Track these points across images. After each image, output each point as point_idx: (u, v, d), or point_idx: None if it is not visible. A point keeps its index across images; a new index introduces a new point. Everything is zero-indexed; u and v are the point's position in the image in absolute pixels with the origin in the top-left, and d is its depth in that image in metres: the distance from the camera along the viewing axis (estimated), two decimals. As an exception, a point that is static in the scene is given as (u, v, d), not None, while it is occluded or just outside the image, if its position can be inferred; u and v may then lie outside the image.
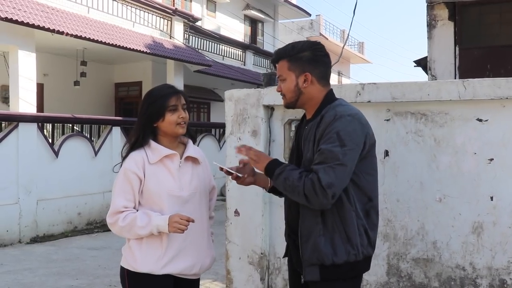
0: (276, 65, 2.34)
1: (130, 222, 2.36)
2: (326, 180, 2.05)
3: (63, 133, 9.62)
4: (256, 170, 2.44)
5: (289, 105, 2.34)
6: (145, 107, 2.48)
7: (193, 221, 2.36)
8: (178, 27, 15.20)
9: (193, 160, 2.58)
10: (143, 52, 12.95)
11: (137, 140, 2.47)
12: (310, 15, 26.16)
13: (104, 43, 11.81)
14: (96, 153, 9.64)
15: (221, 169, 2.45)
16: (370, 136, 2.21)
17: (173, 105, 2.45)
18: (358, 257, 2.15)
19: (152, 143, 2.46)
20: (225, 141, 3.77)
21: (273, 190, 2.57)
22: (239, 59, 19.29)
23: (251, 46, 20.63)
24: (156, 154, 2.44)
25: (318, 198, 2.06)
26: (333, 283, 2.18)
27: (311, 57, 2.25)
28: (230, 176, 2.46)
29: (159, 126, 2.47)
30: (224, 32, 19.12)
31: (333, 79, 29.40)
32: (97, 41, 11.58)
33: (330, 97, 2.29)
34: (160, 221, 2.35)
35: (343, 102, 2.28)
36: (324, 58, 2.29)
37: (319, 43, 2.32)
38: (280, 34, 24.47)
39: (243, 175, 2.43)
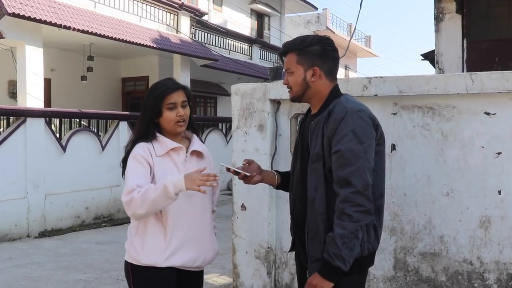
0: (284, 58, 2.32)
1: (144, 191, 2.29)
2: (360, 183, 2.03)
3: (70, 128, 9.65)
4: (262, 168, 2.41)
5: (295, 98, 2.33)
6: (146, 102, 2.49)
7: (215, 177, 2.24)
8: (185, 22, 15.19)
9: (198, 154, 2.59)
10: (149, 46, 12.96)
11: (142, 134, 2.48)
12: (316, 9, 26.07)
13: (111, 38, 11.84)
14: (103, 147, 9.67)
15: (228, 169, 2.44)
16: (380, 128, 2.21)
17: (171, 103, 2.45)
18: (363, 253, 2.15)
19: (159, 136, 2.48)
20: (231, 136, 3.77)
21: (280, 186, 2.57)
22: (245, 53, 19.26)
23: (258, 40, 20.58)
24: (163, 147, 2.45)
25: (366, 207, 2.04)
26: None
27: (321, 52, 2.24)
28: (238, 176, 2.45)
29: (160, 122, 2.49)
30: (230, 27, 19.09)
31: (340, 73, 29.24)
32: (103, 36, 11.60)
33: (336, 92, 2.28)
34: (174, 178, 2.27)
35: (349, 97, 2.27)
36: (333, 53, 2.28)
37: (328, 38, 2.30)
38: (287, 28, 24.40)
39: (251, 174, 2.43)
